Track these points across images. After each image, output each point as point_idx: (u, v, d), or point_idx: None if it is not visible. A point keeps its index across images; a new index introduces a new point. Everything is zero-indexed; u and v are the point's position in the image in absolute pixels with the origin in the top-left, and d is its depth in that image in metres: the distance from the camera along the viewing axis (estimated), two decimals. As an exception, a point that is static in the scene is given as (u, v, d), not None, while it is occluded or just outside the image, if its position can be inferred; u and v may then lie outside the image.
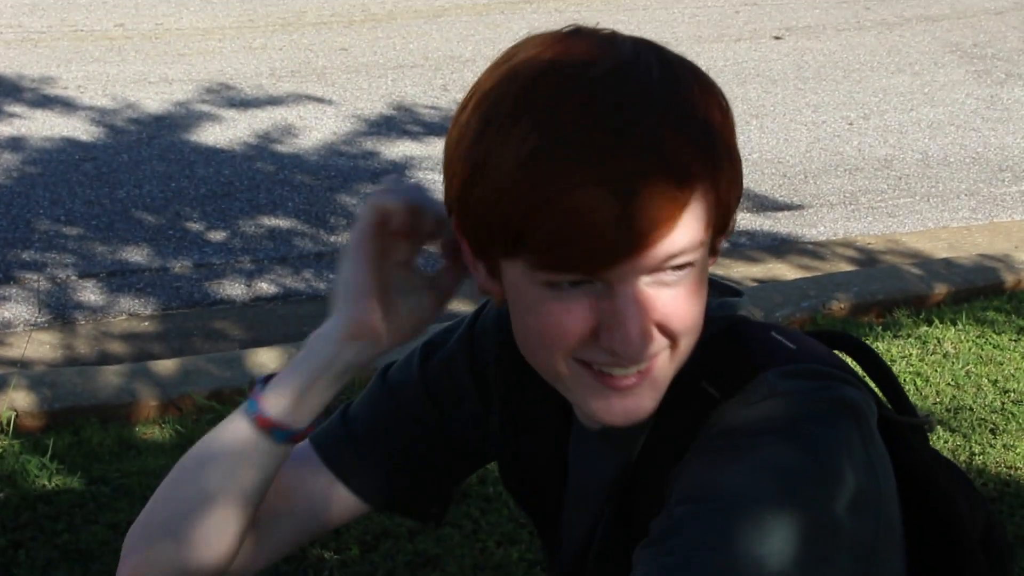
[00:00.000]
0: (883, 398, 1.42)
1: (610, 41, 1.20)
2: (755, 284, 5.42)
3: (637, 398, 1.26)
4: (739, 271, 5.62)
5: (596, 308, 1.19)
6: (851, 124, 7.84)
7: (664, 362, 1.25)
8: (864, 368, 1.46)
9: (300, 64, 8.67)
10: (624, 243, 1.13)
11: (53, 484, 3.61)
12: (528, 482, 1.56)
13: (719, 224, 1.22)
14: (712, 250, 1.25)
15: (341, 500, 1.58)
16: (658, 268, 1.17)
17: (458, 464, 1.65)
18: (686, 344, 1.25)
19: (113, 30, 9.41)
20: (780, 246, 5.99)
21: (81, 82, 8.07)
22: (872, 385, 1.43)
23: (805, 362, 1.28)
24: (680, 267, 1.18)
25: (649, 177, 1.12)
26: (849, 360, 1.41)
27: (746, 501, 1.16)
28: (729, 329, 1.35)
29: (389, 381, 1.60)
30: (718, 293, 1.39)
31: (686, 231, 1.16)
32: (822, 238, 6.12)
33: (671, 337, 1.23)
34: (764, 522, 1.14)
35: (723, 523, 1.15)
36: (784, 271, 5.65)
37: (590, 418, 1.31)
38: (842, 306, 4.98)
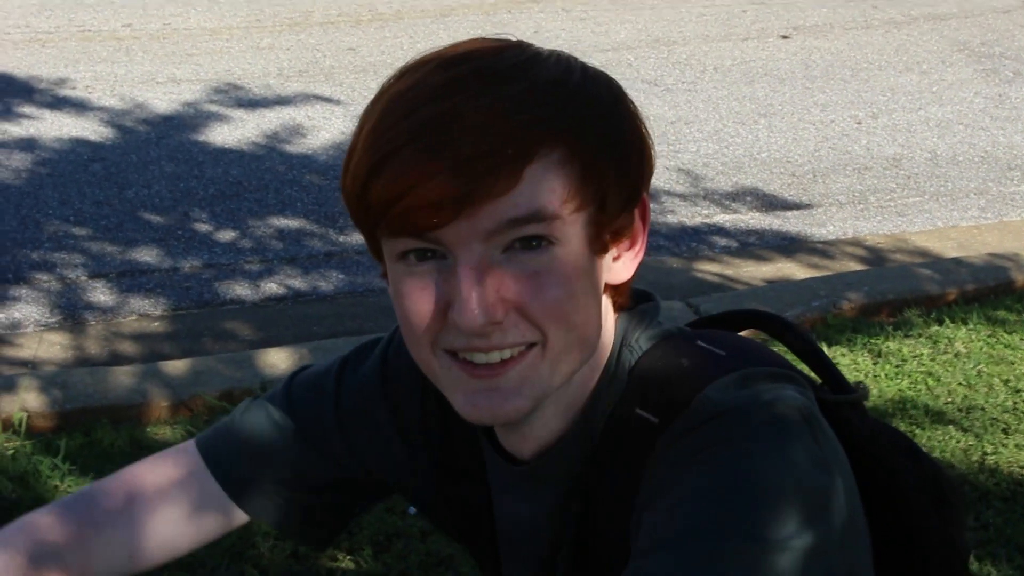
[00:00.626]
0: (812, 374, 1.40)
1: (510, 48, 1.22)
2: (765, 283, 5.41)
3: (504, 395, 1.22)
4: (748, 270, 5.61)
5: (445, 285, 1.18)
6: (859, 123, 7.83)
7: (534, 359, 1.21)
8: (788, 345, 1.44)
9: (308, 64, 8.67)
10: (446, 200, 1.13)
11: (65, 485, 3.61)
12: (460, 524, 1.53)
13: (596, 215, 1.19)
14: (600, 246, 1.22)
15: (225, 516, 1.58)
16: (495, 234, 1.15)
17: (360, 501, 1.64)
18: (560, 342, 1.21)
19: (121, 30, 9.41)
20: (789, 245, 5.98)
21: (89, 82, 8.08)
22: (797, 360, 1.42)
23: (740, 368, 1.25)
24: (532, 243, 1.16)
25: (466, 135, 1.13)
26: (779, 347, 1.40)
27: (705, 535, 1.13)
28: (654, 349, 1.32)
29: (295, 401, 1.57)
30: (633, 300, 1.36)
31: (524, 197, 1.14)
32: (831, 237, 6.11)
33: (535, 325, 1.19)
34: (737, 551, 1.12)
35: (695, 561, 1.12)
36: (794, 270, 5.65)
37: (462, 415, 1.26)
38: (852, 306, 4.97)
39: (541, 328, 1.19)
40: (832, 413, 1.30)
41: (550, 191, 1.15)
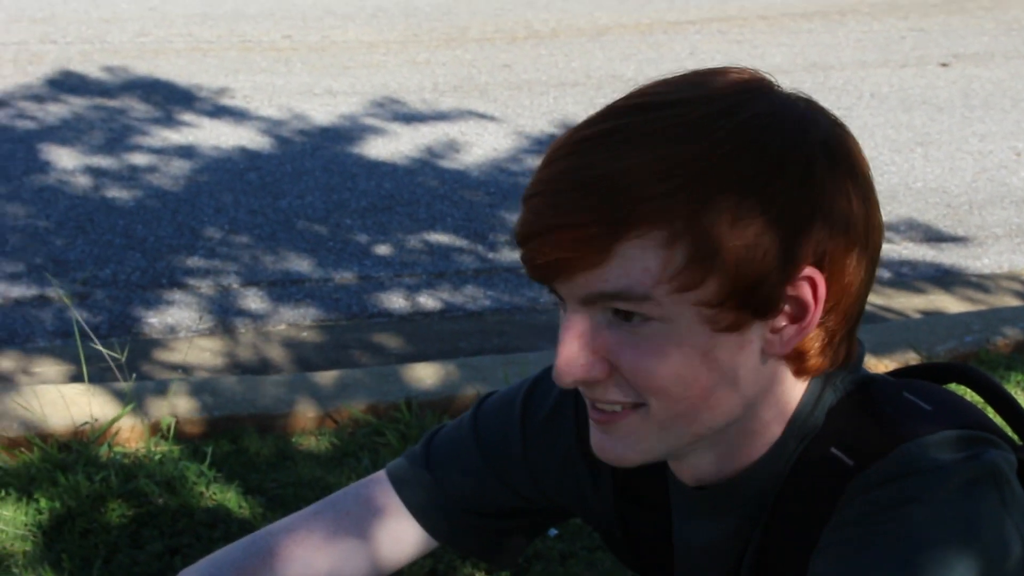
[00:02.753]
0: (1012, 434, 1.34)
1: (685, 103, 1.17)
2: (919, 316, 5.31)
3: (612, 441, 1.24)
4: (901, 301, 5.51)
5: None
6: (1019, 155, 7.66)
7: (639, 421, 1.22)
8: (986, 399, 1.38)
9: (463, 80, 8.71)
10: (543, 263, 1.16)
11: (211, 492, 3.65)
12: (638, 549, 1.51)
13: (709, 297, 1.15)
14: (727, 324, 1.17)
15: (416, 542, 1.58)
16: (591, 301, 1.17)
17: (544, 522, 1.63)
18: (663, 412, 1.20)
19: (280, 41, 9.55)
20: (944, 277, 5.86)
21: (248, 92, 8.21)
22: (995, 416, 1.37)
23: (945, 426, 1.20)
24: (626, 315, 1.16)
25: (567, 202, 1.13)
26: (970, 394, 1.35)
27: None
28: (857, 392, 1.28)
29: (481, 432, 1.56)
30: None
31: (614, 274, 1.13)
32: (987, 271, 5.97)
33: (635, 387, 1.19)
34: None
35: None
36: (948, 303, 5.53)
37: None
38: (1007, 342, 4.84)
39: (639, 390, 1.20)
40: None
41: (643, 271, 1.13)
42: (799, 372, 1.25)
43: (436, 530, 1.57)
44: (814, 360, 1.24)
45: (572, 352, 1.19)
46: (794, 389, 1.27)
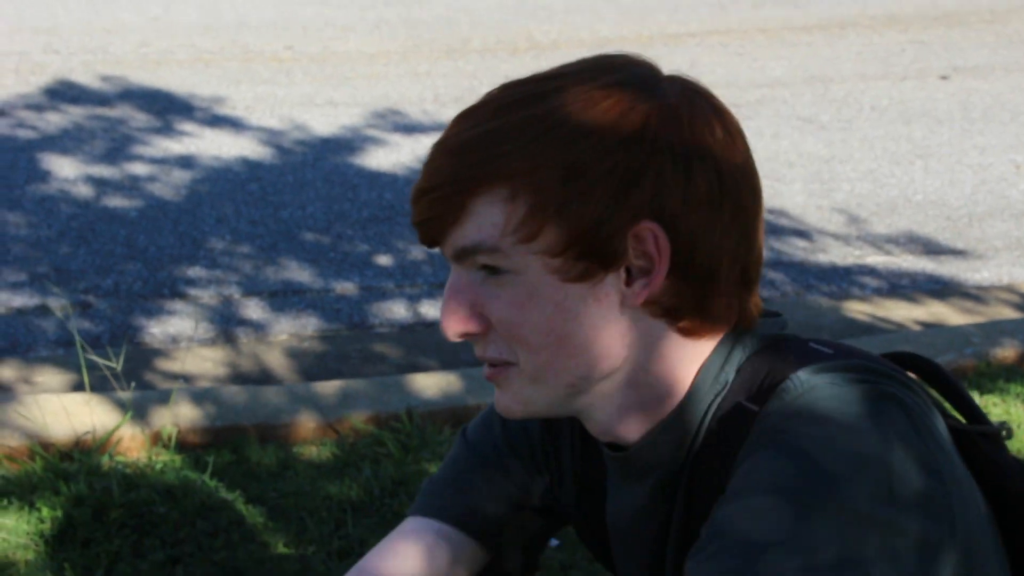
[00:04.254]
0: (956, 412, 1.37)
1: (550, 78, 1.27)
2: (918, 328, 5.32)
3: (500, 395, 1.33)
4: (901, 313, 5.52)
5: None
6: (1018, 167, 7.67)
7: (514, 376, 1.30)
8: (934, 386, 1.40)
9: (464, 91, 8.73)
10: (418, 224, 1.27)
11: (212, 501, 3.66)
12: (591, 536, 1.57)
13: (552, 247, 1.23)
14: (576, 274, 1.24)
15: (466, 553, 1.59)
16: (461, 259, 1.27)
17: (542, 523, 1.64)
18: (530, 364, 1.28)
19: (282, 52, 9.57)
20: (942, 289, 5.87)
21: (250, 102, 8.23)
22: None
23: (845, 363, 1.25)
24: (492, 270, 1.25)
25: (433, 165, 1.26)
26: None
27: (785, 493, 1.13)
28: (766, 348, 1.33)
29: (470, 441, 1.63)
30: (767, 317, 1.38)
31: (470, 229, 1.24)
32: (986, 283, 5.98)
33: (507, 339, 1.28)
34: (806, 516, 1.10)
35: (761, 521, 1.12)
36: (947, 315, 5.54)
37: None
38: (1007, 354, 4.85)
39: (509, 342, 1.28)
40: (969, 448, 1.30)
41: (492, 225, 1.23)
42: (685, 332, 1.30)
43: (483, 533, 1.58)
44: (690, 317, 1.29)
45: (451, 307, 1.28)
46: (688, 349, 1.31)
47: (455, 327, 1.28)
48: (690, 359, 1.31)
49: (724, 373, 1.31)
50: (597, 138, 1.21)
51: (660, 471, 1.35)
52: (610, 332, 1.28)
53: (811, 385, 1.21)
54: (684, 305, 1.27)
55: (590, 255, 1.23)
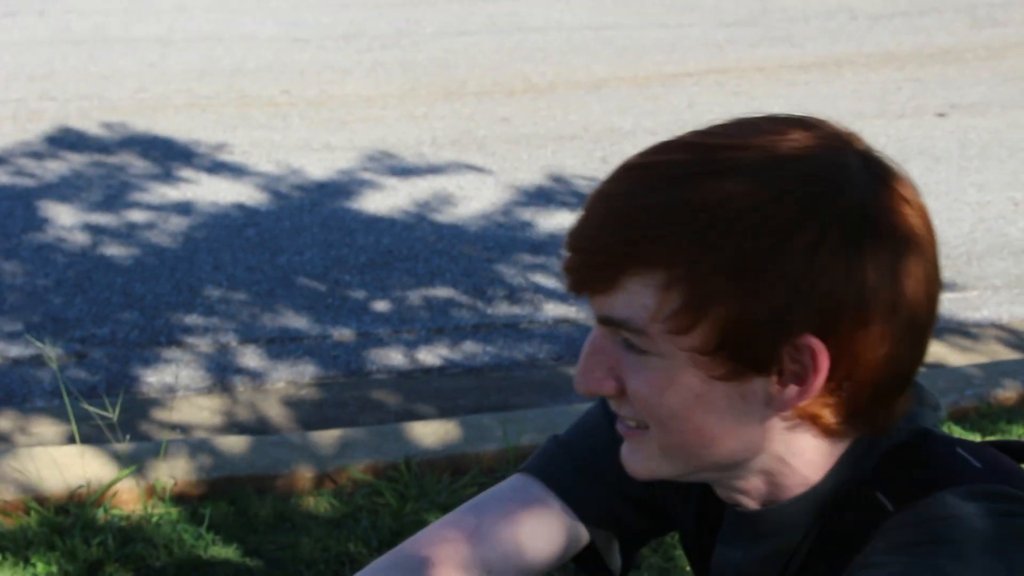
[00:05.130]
0: None
1: (713, 150, 1.19)
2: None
3: (629, 453, 1.30)
4: (902, 355, 5.49)
5: None
6: (1016, 204, 7.66)
7: (646, 440, 1.27)
8: None
9: (461, 133, 8.73)
10: (571, 284, 1.22)
11: (209, 554, 3.63)
12: (697, 560, 1.52)
13: (702, 345, 1.17)
14: (724, 373, 1.18)
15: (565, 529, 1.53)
16: (602, 322, 1.22)
17: (652, 525, 1.58)
18: (662, 439, 1.25)
19: (278, 96, 9.57)
20: (941, 329, 5.85)
21: (247, 148, 8.22)
22: None
23: (990, 483, 1.20)
24: (629, 345, 1.21)
25: (590, 231, 1.20)
26: None
27: None
28: (910, 441, 1.27)
29: (611, 414, 1.52)
30: (917, 401, 1.31)
31: (619, 303, 1.19)
32: (985, 322, 5.96)
33: (638, 411, 1.24)
34: None
35: None
36: (945, 355, 5.52)
37: None
38: (1009, 395, 4.83)
39: (640, 413, 1.25)
40: None
41: (643, 307, 1.18)
42: (829, 432, 1.25)
43: (587, 513, 1.52)
44: (832, 423, 1.23)
45: (588, 366, 1.25)
46: (829, 444, 1.27)
47: (588, 387, 1.25)
48: (829, 452, 1.27)
49: (865, 461, 1.27)
50: (772, 240, 1.13)
51: (778, 540, 1.32)
52: (751, 430, 1.23)
53: (958, 512, 1.16)
54: (830, 413, 1.23)
55: (742, 359, 1.17)
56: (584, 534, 1.53)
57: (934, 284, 1.21)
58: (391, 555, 1.50)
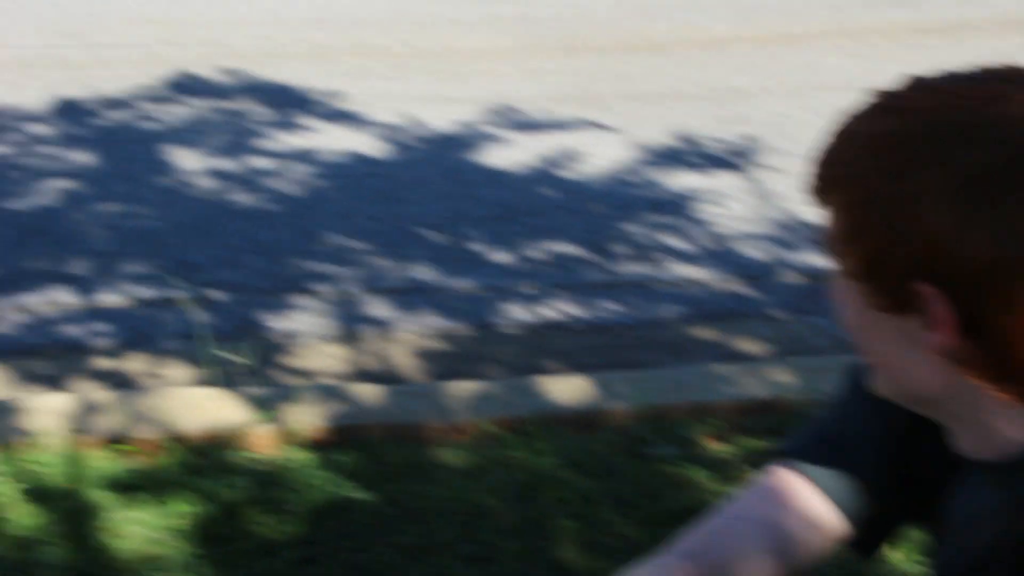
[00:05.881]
0: None
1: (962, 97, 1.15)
2: None
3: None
4: None
5: None
6: None
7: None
8: None
9: (581, 90, 8.67)
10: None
11: (343, 501, 3.63)
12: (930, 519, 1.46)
13: (853, 271, 1.20)
14: (875, 302, 1.20)
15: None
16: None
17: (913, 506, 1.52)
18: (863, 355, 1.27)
19: (398, 47, 9.57)
20: None
21: (367, 98, 8.21)
22: None
23: None
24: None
25: (823, 153, 1.23)
26: None
27: None
28: None
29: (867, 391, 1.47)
30: None
31: (827, 222, 1.22)
32: None
33: None
34: None
35: None
36: None
37: None
38: None
39: None
40: None
41: (831, 228, 1.22)
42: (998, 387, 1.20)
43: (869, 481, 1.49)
44: (999, 383, 1.18)
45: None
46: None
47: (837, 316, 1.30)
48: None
49: None
50: (904, 183, 1.13)
51: (1005, 491, 1.25)
52: (918, 367, 1.21)
53: None
54: (994, 376, 1.18)
55: (883, 293, 1.18)
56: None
57: None
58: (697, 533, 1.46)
